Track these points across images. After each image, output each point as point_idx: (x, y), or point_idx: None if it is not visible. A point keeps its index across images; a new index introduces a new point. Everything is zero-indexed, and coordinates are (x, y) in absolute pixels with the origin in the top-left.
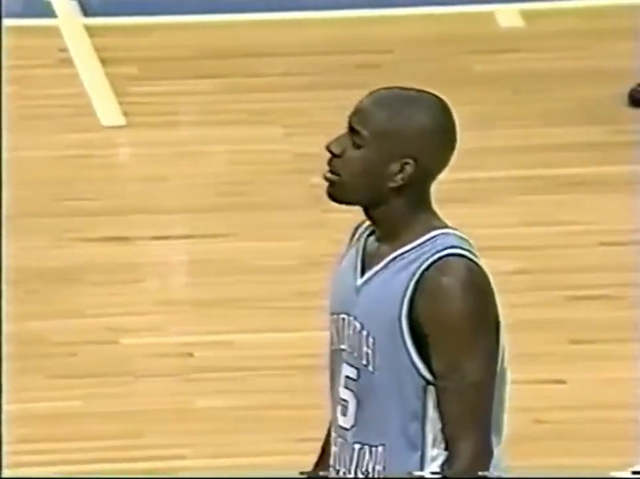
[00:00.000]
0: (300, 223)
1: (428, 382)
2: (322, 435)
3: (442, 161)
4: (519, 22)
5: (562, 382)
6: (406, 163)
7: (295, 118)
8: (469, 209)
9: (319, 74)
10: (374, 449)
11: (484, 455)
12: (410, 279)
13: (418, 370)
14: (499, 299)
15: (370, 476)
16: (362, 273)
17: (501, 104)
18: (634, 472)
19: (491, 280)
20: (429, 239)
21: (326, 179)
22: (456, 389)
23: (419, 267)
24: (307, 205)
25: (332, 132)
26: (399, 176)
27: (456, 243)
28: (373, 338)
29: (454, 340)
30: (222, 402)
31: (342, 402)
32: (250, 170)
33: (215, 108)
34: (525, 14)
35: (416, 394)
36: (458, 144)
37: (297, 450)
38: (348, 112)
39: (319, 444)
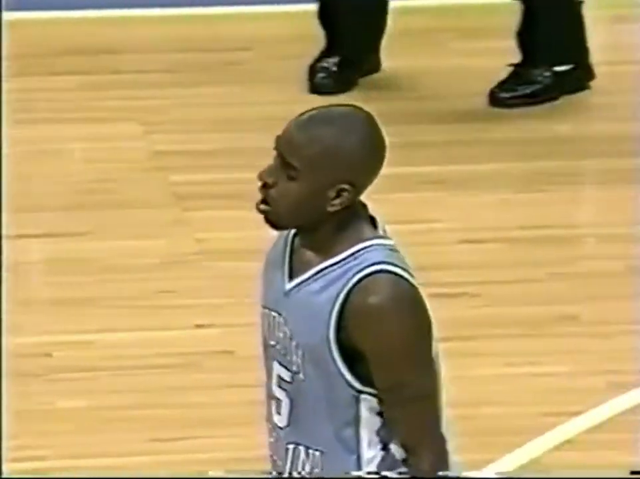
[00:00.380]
0: (160, 222)
1: (359, 391)
2: (184, 434)
3: (374, 177)
4: None
5: None
6: (343, 189)
7: (154, 115)
8: None
9: (178, 71)
10: (310, 451)
11: (445, 459)
12: (336, 299)
13: (347, 381)
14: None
15: (308, 476)
16: (290, 275)
17: (367, 102)
18: (632, 472)
19: (419, 290)
20: (355, 252)
21: (260, 211)
22: (409, 402)
23: (344, 285)
24: (167, 204)
25: (192, 129)
26: (337, 201)
27: (381, 258)
28: (302, 351)
29: (396, 359)
30: (82, 402)
31: (276, 401)
32: (109, 168)
33: (73, 105)
34: None
35: (349, 403)
36: None
37: (159, 450)
38: (208, 109)
39: (180, 444)
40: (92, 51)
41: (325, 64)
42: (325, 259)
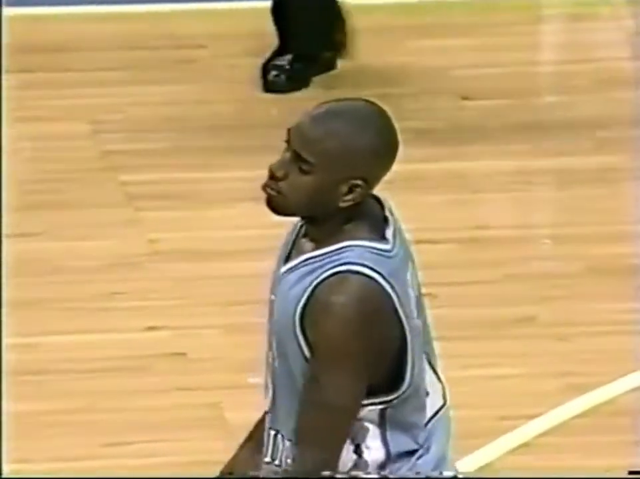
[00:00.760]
0: (111, 222)
1: None
2: (135, 438)
3: (386, 173)
4: None
5: None
6: (356, 185)
7: (104, 114)
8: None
9: (128, 69)
10: (285, 440)
11: (314, 473)
12: (304, 292)
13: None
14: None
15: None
16: (287, 260)
17: (311, 101)
18: (630, 472)
19: (390, 301)
20: (339, 249)
21: (268, 194)
22: (309, 402)
23: (315, 279)
24: (118, 204)
25: (143, 128)
26: (349, 197)
27: (356, 259)
28: (277, 336)
29: (320, 356)
30: (29, 406)
31: (267, 387)
32: (58, 168)
33: (22, 104)
34: None
35: None
36: (258, 142)
37: (110, 454)
38: (159, 108)
39: (131, 448)
40: (40, 49)
41: (278, 62)
42: (314, 249)
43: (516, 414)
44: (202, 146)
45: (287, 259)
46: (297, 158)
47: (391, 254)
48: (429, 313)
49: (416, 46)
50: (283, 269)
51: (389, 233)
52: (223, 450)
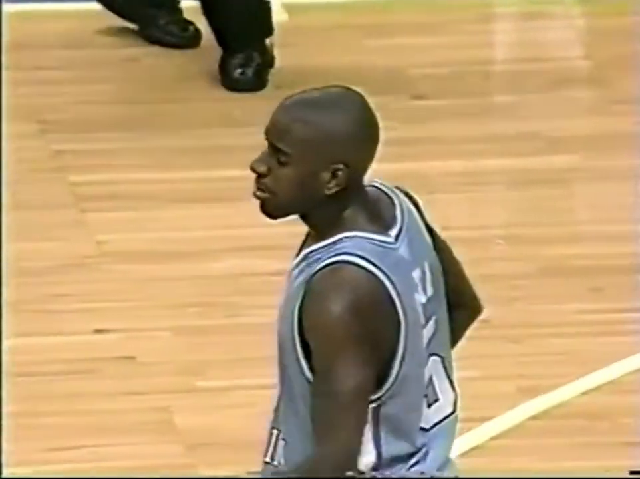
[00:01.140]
0: (59, 223)
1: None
2: (83, 443)
3: (370, 157)
4: (283, 16)
5: None
6: (337, 169)
7: (51, 114)
8: (231, 208)
9: (75, 68)
10: (280, 441)
11: (328, 462)
12: (304, 284)
13: (302, 369)
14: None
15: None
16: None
17: (265, 99)
18: (632, 472)
19: (386, 292)
20: (336, 241)
21: (258, 198)
22: (320, 395)
23: (312, 272)
24: (66, 204)
25: (91, 127)
26: (332, 183)
27: (352, 249)
28: (279, 332)
29: (321, 346)
30: None
31: (278, 382)
32: (6, 169)
33: None
34: (290, 8)
35: (303, 395)
36: (211, 142)
37: (58, 459)
38: (107, 107)
39: (79, 453)
40: None
41: (238, 60)
42: (314, 244)
43: (470, 417)
44: (152, 146)
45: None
46: (274, 150)
47: (392, 246)
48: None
49: (369, 45)
50: (290, 269)
51: (394, 231)
52: (172, 455)
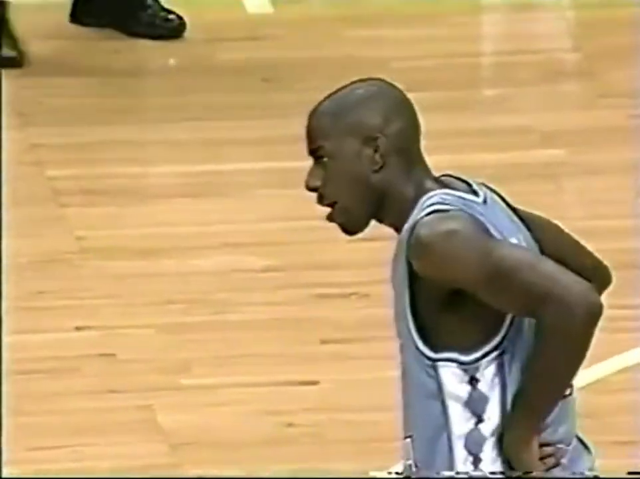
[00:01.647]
0: (38, 219)
1: (432, 360)
2: (64, 442)
3: (406, 122)
4: (267, 9)
5: (314, 383)
6: (375, 139)
7: (31, 106)
8: (216, 203)
9: (54, 59)
10: (406, 441)
11: (579, 295)
12: (403, 255)
13: (418, 347)
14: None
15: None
16: None
17: (249, 92)
18: (630, 473)
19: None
20: (423, 202)
21: (331, 220)
22: (503, 283)
23: (410, 233)
24: (45, 200)
25: (70, 121)
26: (377, 156)
27: (436, 201)
28: (400, 327)
29: (466, 258)
30: None
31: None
32: None
33: None
34: (274, 1)
35: (427, 373)
36: (196, 136)
37: (38, 459)
38: (86, 100)
39: (60, 452)
40: None
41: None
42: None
43: None
44: (134, 140)
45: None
46: (314, 156)
47: (480, 202)
48: (366, 313)
49: (353, 37)
50: (392, 265)
51: (479, 198)
52: (155, 454)
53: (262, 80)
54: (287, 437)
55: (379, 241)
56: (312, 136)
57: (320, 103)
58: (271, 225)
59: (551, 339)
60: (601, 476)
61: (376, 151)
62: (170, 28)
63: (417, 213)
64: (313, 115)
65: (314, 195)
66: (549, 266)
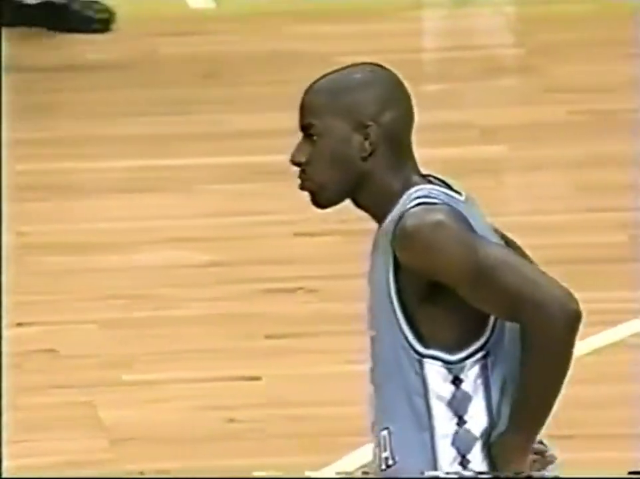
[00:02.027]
0: None
1: (421, 356)
2: (5, 439)
3: (401, 114)
4: (209, 3)
5: (257, 378)
6: (367, 126)
7: None
8: (158, 198)
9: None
10: (381, 433)
11: (559, 301)
12: (389, 245)
13: (409, 342)
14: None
15: (383, 466)
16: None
17: (191, 88)
18: (630, 472)
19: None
20: (409, 195)
21: (303, 189)
22: (482, 280)
23: (394, 226)
24: None
25: (11, 117)
26: (366, 143)
27: (422, 194)
28: (377, 306)
29: (449, 253)
30: None
31: (370, 398)
32: None
33: None
34: None
35: (414, 369)
36: (137, 131)
37: None
38: (30, 96)
39: (3, 449)
40: None
41: None
42: (383, 220)
43: None
44: (75, 135)
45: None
46: (304, 132)
47: (463, 200)
48: (313, 308)
49: (296, 32)
50: (371, 258)
51: (461, 196)
52: (97, 450)
53: (204, 76)
54: (229, 432)
55: (325, 236)
56: (304, 112)
57: (317, 80)
58: (215, 220)
59: (533, 344)
60: (601, 476)
61: (366, 138)
62: (102, 21)
63: (403, 205)
64: (308, 91)
65: (257, 190)
66: (531, 269)
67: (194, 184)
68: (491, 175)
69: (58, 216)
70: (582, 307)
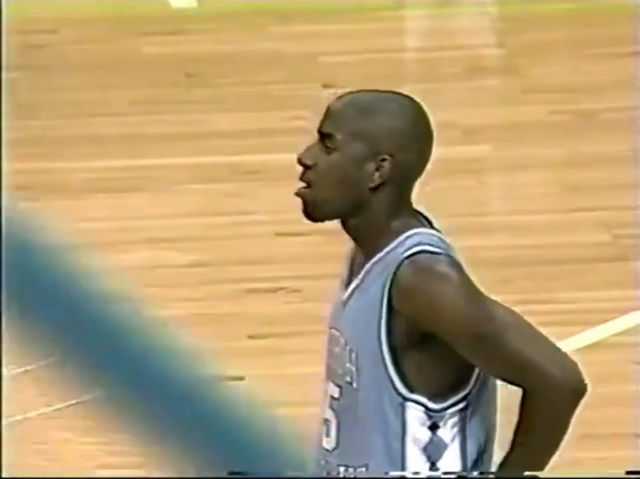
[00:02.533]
0: None
1: (405, 399)
2: None
3: (419, 158)
4: (191, 3)
5: (240, 378)
6: (383, 159)
7: None
8: (140, 199)
9: None
10: (358, 470)
11: (569, 375)
12: (384, 287)
13: (394, 385)
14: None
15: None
16: (348, 286)
17: (173, 87)
18: (628, 472)
19: (459, 265)
20: (400, 243)
21: (299, 196)
22: (489, 345)
23: (390, 271)
24: None
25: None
26: (376, 174)
27: (424, 241)
28: (356, 354)
29: (457, 314)
30: None
31: (326, 423)
32: None
33: None
34: None
35: (395, 411)
36: (119, 131)
37: None
38: (8, 97)
39: None
40: None
41: None
42: (373, 256)
43: None
44: (55, 135)
45: (349, 284)
46: (322, 138)
47: (448, 242)
48: (295, 308)
49: (279, 32)
50: (346, 294)
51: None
52: None
53: (185, 75)
54: None
55: (307, 236)
56: (329, 120)
57: (354, 92)
58: (195, 220)
59: (536, 410)
60: (601, 476)
61: (377, 169)
62: None
63: (400, 248)
64: (341, 100)
65: (238, 190)
66: (537, 335)
67: (175, 184)
68: (473, 175)
69: (39, 216)
70: (565, 306)
